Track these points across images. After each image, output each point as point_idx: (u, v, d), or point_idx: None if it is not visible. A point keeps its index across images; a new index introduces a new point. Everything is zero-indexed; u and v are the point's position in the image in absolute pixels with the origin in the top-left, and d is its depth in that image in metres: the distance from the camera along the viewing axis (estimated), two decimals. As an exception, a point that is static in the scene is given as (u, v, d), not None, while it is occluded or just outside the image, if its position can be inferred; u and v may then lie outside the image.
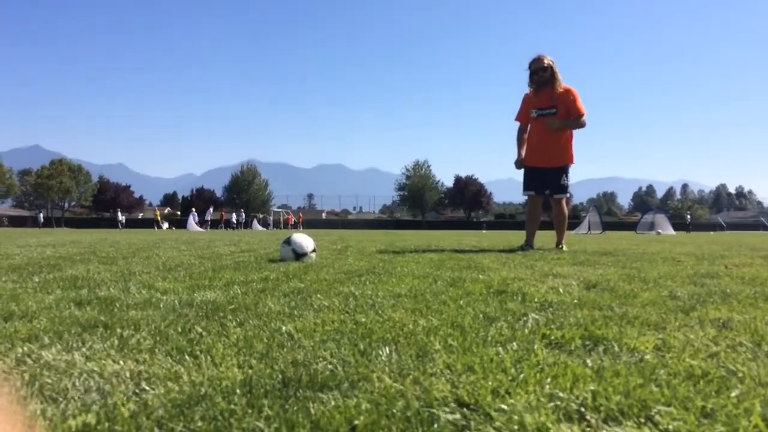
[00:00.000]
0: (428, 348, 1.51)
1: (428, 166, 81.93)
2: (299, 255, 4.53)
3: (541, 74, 6.21)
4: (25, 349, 1.46)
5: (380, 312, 2.09)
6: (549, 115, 6.22)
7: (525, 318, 1.97)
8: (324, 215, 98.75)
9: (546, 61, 6.19)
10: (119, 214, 55.61)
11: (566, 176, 6.36)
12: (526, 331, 1.75)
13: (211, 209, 51.41)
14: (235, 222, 50.30)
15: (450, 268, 4.00)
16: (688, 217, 51.81)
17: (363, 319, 1.93)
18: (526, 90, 6.43)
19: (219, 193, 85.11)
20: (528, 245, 6.51)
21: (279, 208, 79.29)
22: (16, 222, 60.06)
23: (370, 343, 1.56)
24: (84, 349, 1.47)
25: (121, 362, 1.35)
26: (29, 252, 5.88)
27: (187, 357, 1.41)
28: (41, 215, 59.28)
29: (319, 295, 2.54)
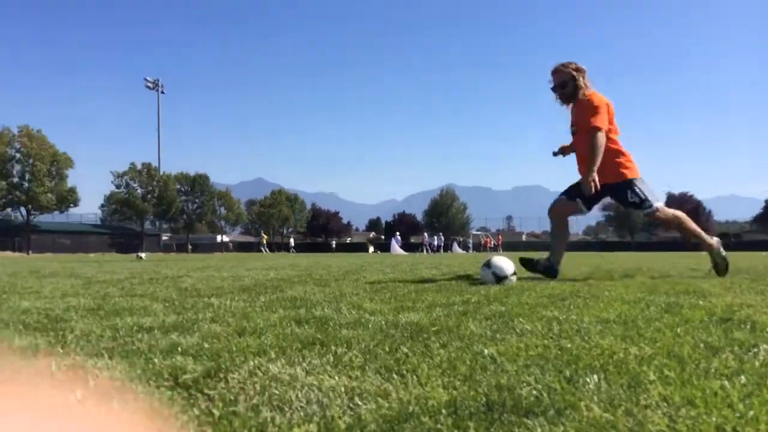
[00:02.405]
0: (641, 378, 1.42)
1: (631, 183, 76.78)
2: (500, 278, 4.51)
3: (560, 92, 5.40)
4: (256, 362, 1.63)
5: (587, 338, 2.01)
6: (573, 133, 5.46)
7: (755, 349, 1.77)
8: (524, 237, 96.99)
9: (561, 77, 5.37)
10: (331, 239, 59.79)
11: (631, 192, 5.29)
12: (757, 363, 1.57)
13: (426, 235, 53.31)
14: (435, 245, 51.39)
15: (664, 293, 3.72)
16: None
17: (568, 345, 1.87)
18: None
19: (419, 217, 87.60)
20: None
21: (478, 230, 79.47)
22: (243, 248, 67.04)
23: (577, 370, 1.51)
24: (304, 364, 1.61)
25: (336, 378, 1.45)
26: (256, 274, 6.54)
27: (394, 375, 1.48)
28: (265, 241, 65.73)
29: (521, 319, 2.51)
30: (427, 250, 48.86)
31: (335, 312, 2.82)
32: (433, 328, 2.24)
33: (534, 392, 1.30)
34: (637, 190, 5.29)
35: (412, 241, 51.01)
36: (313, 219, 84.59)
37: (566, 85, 5.34)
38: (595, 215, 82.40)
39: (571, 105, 5.44)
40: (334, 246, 66.20)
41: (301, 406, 1.22)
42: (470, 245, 62.60)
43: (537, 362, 1.62)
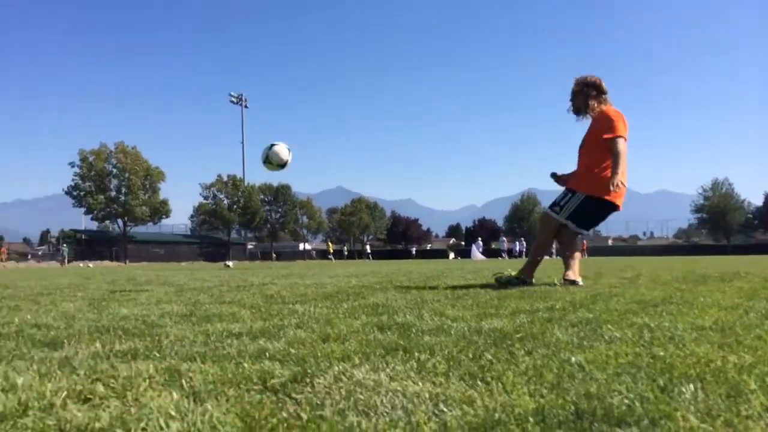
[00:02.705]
0: (741, 387, 1.35)
1: (730, 185, 73.03)
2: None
3: (571, 102, 5.35)
4: (341, 367, 1.66)
5: (681, 346, 1.92)
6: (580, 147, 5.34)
7: None
8: (610, 242, 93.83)
9: (574, 87, 5.31)
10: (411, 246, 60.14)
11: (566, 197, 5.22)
12: None
13: (504, 239, 52.74)
14: (517, 251, 50.51)
15: (765, 299, 3.50)
16: None
17: (661, 353, 1.79)
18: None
19: (500, 222, 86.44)
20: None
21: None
22: (325, 255, 68.17)
23: (671, 379, 1.45)
24: (388, 370, 1.62)
25: (420, 384, 1.45)
26: (338, 281, 6.64)
27: (479, 382, 1.46)
28: (346, 248, 66.70)
29: (609, 326, 2.43)
30: (505, 256, 48.12)
31: (417, 318, 2.82)
32: (518, 335, 2.21)
33: (626, 401, 1.25)
34: (569, 199, 5.22)
35: (493, 246, 50.39)
36: (392, 226, 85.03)
37: (575, 96, 5.33)
38: (687, 217, 78.84)
39: (586, 119, 5.39)
40: (414, 253, 66.31)
41: (386, 412, 1.23)
42: (553, 251, 61.01)
43: (628, 370, 1.56)
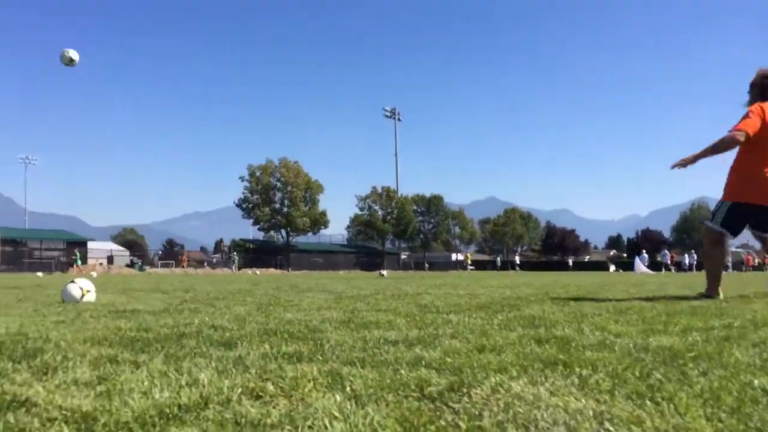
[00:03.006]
0: None
1: None
2: None
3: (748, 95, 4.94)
4: (498, 379, 1.63)
5: None
6: None
7: None
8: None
9: (754, 78, 4.98)
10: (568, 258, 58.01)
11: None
12: None
13: (666, 251, 49.29)
14: (686, 264, 46.95)
15: None
16: None
17: None
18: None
19: (666, 233, 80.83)
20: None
21: (738, 248, 70.86)
22: (479, 266, 67.65)
23: None
24: (547, 384, 1.57)
25: (583, 400, 1.39)
26: (492, 292, 6.56)
27: (648, 402, 1.37)
28: (498, 259, 65.79)
29: (799, 348, 2.18)
30: (668, 269, 44.81)
31: (577, 332, 2.71)
32: (690, 354, 2.04)
33: (823, 433, 1.12)
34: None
35: (659, 259, 47.20)
36: (547, 237, 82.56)
37: (750, 88, 5.05)
38: None
39: None
40: (571, 264, 63.83)
41: (546, 427, 1.19)
42: (729, 264, 56.05)
43: (825, 399, 1.39)
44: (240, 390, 1.50)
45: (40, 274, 26.60)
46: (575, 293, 6.31)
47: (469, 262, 57.04)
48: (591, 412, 1.29)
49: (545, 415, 1.26)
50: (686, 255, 50.16)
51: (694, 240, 70.39)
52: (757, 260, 55.49)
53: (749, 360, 1.93)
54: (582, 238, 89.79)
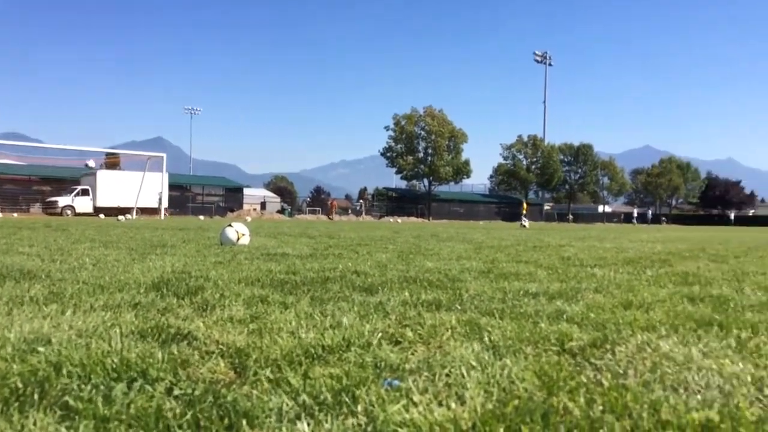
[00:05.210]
0: None
1: None
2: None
3: None
4: (644, 337, 1.56)
5: None
6: None
7: None
8: None
9: None
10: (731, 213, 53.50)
11: None
12: None
13: None
14: None
15: None
16: None
17: None
18: None
19: None
20: None
21: None
22: (626, 219, 64.27)
23: None
24: (700, 346, 1.48)
25: (741, 364, 1.30)
26: (641, 247, 6.23)
27: (818, 372, 1.25)
28: (650, 212, 62.12)
29: None
30: None
31: (736, 292, 2.52)
32: None
33: None
34: None
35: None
36: (707, 189, 76.32)
37: None
38: None
39: None
40: (732, 219, 58.84)
41: (698, 390, 1.12)
42: None
43: None
44: (380, 335, 1.56)
45: (201, 217, 28.95)
46: (737, 250, 5.83)
47: (524, 212, 34.61)
48: (749, 377, 1.20)
49: (697, 378, 1.19)
50: None
51: None
52: None
53: None
54: (748, 190, 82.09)
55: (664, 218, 54.43)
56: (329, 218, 37.84)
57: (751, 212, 76.30)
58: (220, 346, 1.43)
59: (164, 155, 30.35)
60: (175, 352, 1.37)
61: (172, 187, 35.89)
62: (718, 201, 76.59)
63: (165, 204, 29.93)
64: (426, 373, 1.23)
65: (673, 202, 74.84)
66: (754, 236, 11.88)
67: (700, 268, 3.62)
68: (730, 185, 79.35)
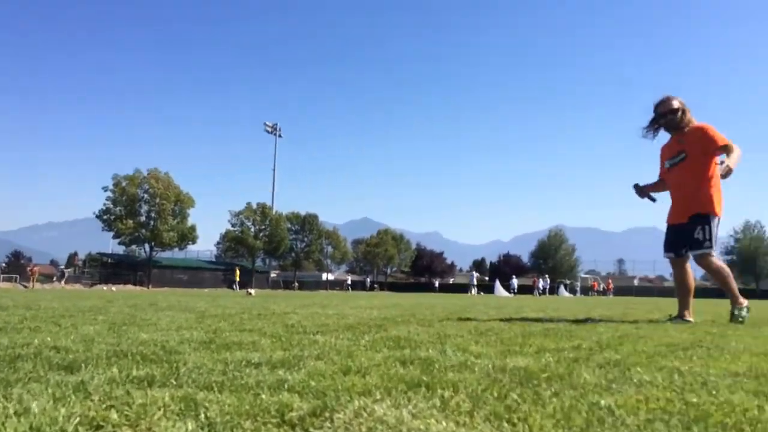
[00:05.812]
0: (783, 440, 1.27)
1: (762, 228, 71.77)
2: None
3: (671, 117, 5.53)
4: (361, 402, 1.61)
5: (714, 393, 1.84)
6: (680, 162, 5.52)
7: None
8: (636, 282, 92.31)
9: (675, 103, 5.53)
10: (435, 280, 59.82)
11: (702, 229, 5.34)
12: None
13: (515, 279, 52.48)
14: (540, 288, 50.07)
15: (801, 346, 3.37)
16: None
17: (694, 399, 1.72)
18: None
19: (525, 258, 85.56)
20: (679, 317, 5.65)
21: (586, 274, 76.60)
22: (356, 286, 67.58)
23: (706, 428, 1.38)
24: (410, 407, 1.57)
25: (444, 422, 1.40)
26: (360, 313, 6.58)
27: (505, 423, 1.41)
28: (368, 280, 66.54)
29: (638, 369, 2.34)
30: (538, 293, 47.64)
31: (440, 354, 2.76)
32: (544, 375, 2.14)
33: (659, 450, 1.19)
34: (708, 229, 5.34)
35: (518, 283, 50.13)
36: (417, 259, 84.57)
37: (676, 112, 5.50)
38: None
39: (674, 135, 5.64)
40: (437, 286, 65.96)
41: (407, 451, 1.18)
42: (578, 288, 60.45)
43: (660, 417, 1.50)
44: (78, 420, 1.37)
45: None
46: (440, 314, 6.48)
47: (237, 279, 46.54)
48: (450, 435, 1.29)
49: (406, 439, 1.25)
50: (540, 279, 53.43)
51: (549, 265, 75.05)
52: (601, 286, 60.21)
53: (596, 381, 2.05)
54: (449, 261, 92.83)
55: (376, 285, 58.97)
56: (25, 287, 33.48)
57: (451, 280, 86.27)
58: None
59: None
60: None
61: None
62: (425, 270, 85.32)
63: None
64: (132, 461, 1.10)
65: (389, 271, 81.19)
66: (454, 302, 13.36)
67: (410, 332, 3.92)
68: (435, 256, 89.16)
